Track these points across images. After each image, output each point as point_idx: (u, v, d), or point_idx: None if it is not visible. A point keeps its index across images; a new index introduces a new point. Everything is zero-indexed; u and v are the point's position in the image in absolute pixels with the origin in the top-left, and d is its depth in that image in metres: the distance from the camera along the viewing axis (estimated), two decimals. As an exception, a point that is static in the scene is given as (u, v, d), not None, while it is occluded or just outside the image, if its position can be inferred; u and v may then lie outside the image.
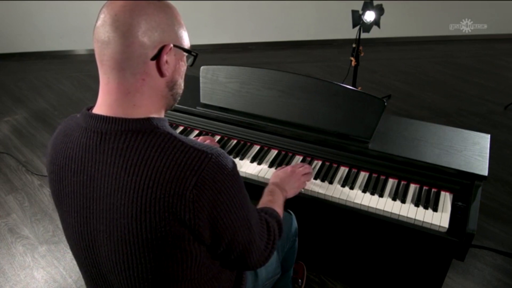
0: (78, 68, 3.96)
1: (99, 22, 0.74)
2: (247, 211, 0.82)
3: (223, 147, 1.52)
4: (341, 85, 1.40)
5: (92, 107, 0.81)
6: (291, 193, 1.23)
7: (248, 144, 1.52)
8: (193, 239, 0.75)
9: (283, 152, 1.48)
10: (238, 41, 4.39)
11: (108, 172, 0.74)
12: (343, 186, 1.34)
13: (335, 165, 1.41)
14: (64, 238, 2.05)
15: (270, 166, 1.43)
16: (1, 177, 2.49)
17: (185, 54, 0.82)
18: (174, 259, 0.76)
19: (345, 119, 1.37)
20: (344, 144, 1.39)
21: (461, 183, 1.28)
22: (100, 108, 0.78)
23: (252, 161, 1.45)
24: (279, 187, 1.19)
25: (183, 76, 0.85)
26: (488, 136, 1.42)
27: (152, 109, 0.78)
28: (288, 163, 1.43)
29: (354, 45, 2.61)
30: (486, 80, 3.53)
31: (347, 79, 2.96)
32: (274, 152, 1.49)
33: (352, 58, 2.66)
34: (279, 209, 1.08)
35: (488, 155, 1.32)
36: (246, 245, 0.83)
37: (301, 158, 1.45)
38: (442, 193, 1.29)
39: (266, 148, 1.50)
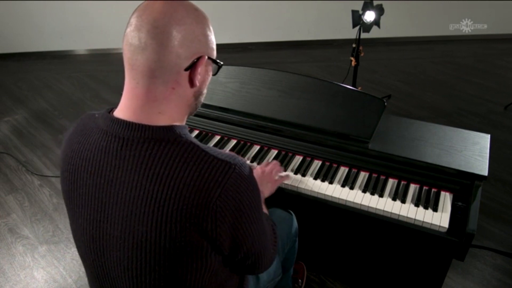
0: (78, 68, 3.96)
1: (133, 26, 0.72)
2: (262, 218, 0.83)
3: (223, 147, 1.52)
4: (341, 85, 1.40)
5: (113, 109, 0.80)
6: (267, 193, 1.23)
7: (248, 144, 1.52)
8: (211, 249, 0.75)
9: (283, 152, 1.48)
10: (238, 41, 4.38)
11: (128, 178, 0.73)
12: (343, 186, 1.34)
13: (335, 165, 1.41)
14: (64, 238, 2.05)
15: (270, 166, 1.43)
16: (1, 177, 2.49)
17: (212, 64, 0.82)
18: (189, 268, 0.76)
19: (345, 119, 1.37)
20: (344, 144, 1.39)
21: (461, 183, 1.28)
22: (123, 112, 0.77)
23: (252, 161, 1.45)
24: None
25: (207, 85, 0.85)
26: (488, 136, 1.42)
27: (175, 117, 0.78)
28: (288, 163, 1.43)
29: (354, 45, 2.61)
30: (486, 80, 3.53)
31: (347, 79, 2.96)
32: (274, 152, 1.49)
33: (352, 58, 2.66)
34: (265, 210, 1.10)
35: (488, 155, 1.32)
36: (261, 250, 0.85)
37: (301, 158, 1.45)
38: (442, 193, 1.29)
39: (266, 148, 1.50)
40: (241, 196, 0.73)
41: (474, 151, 1.33)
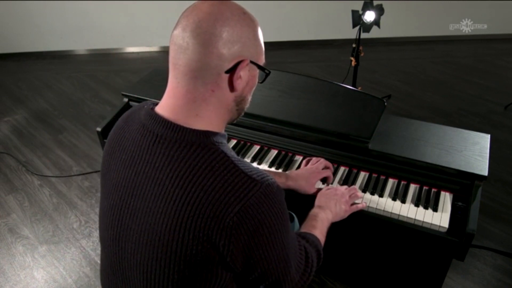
0: (78, 68, 3.96)
1: (180, 26, 0.73)
2: (286, 244, 0.79)
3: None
4: (341, 85, 1.40)
5: (156, 104, 0.80)
6: (337, 217, 1.17)
7: (248, 144, 1.52)
8: (222, 265, 0.73)
9: (283, 152, 1.48)
10: (238, 41, 4.38)
11: (153, 175, 0.74)
12: (343, 186, 1.34)
13: (335, 165, 1.41)
14: (64, 238, 2.06)
15: (270, 166, 1.43)
16: (1, 177, 2.49)
17: (258, 70, 0.81)
18: (198, 278, 0.74)
19: (345, 119, 1.37)
20: (344, 144, 1.39)
21: (461, 183, 1.28)
22: (163, 109, 0.77)
23: (252, 161, 1.45)
24: (324, 211, 1.15)
25: (252, 93, 0.84)
26: (488, 136, 1.42)
27: (213, 122, 0.77)
28: (288, 163, 1.43)
29: (354, 45, 2.61)
30: (486, 80, 3.53)
31: (347, 79, 2.96)
32: (274, 152, 1.49)
33: (352, 58, 2.66)
34: (321, 235, 1.05)
35: (488, 155, 1.32)
36: (280, 276, 0.81)
37: (301, 158, 1.45)
38: (442, 193, 1.29)
39: (266, 148, 1.50)
40: (261, 216, 0.70)
41: (474, 151, 1.33)
